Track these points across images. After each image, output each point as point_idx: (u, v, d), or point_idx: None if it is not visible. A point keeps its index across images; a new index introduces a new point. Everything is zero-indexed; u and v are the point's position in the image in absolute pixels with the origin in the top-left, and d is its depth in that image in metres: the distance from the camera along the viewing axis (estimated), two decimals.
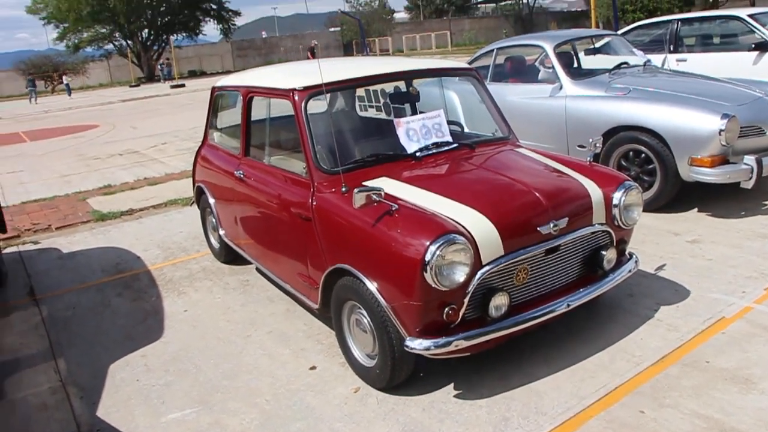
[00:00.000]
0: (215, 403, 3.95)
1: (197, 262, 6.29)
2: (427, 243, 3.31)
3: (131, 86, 47.84)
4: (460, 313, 3.48)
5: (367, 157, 4.25)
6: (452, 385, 3.86)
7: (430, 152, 4.33)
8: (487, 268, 3.49)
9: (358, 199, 3.55)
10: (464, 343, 3.46)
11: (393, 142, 4.35)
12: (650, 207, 6.43)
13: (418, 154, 4.29)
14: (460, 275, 3.38)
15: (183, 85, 41.14)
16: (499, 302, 3.54)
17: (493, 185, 3.94)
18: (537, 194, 3.77)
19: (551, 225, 3.69)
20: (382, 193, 3.59)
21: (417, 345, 3.46)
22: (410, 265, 3.33)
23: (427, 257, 3.29)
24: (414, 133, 4.33)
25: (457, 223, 3.49)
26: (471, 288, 3.45)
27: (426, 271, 3.30)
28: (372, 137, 5.05)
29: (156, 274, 6.09)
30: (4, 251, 7.07)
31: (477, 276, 3.45)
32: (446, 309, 3.44)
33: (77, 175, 11.66)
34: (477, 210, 3.58)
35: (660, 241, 5.78)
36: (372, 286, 3.57)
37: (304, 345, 4.50)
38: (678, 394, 3.58)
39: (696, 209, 6.55)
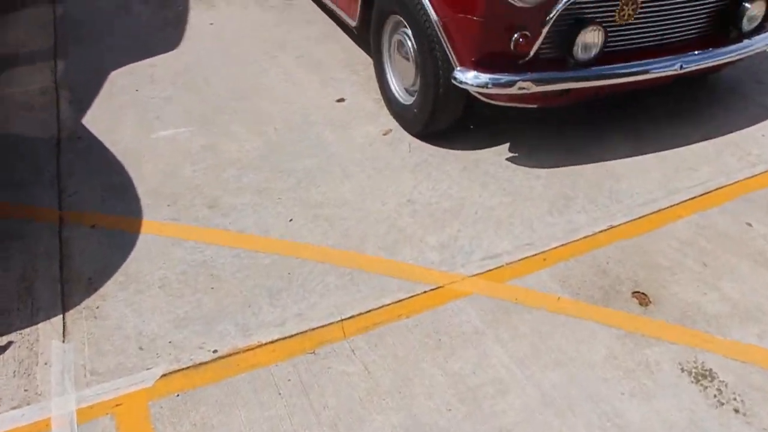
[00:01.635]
0: (216, 125, 3.24)
1: None
2: None
3: None
4: (535, 46, 2.51)
5: None
6: (507, 146, 3.00)
7: None
8: None
9: None
10: (533, 87, 2.54)
11: None
12: None
13: None
14: None
15: None
16: (590, 40, 2.54)
17: None
18: None
19: None
20: None
21: (470, 78, 2.56)
22: None
23: None
24: None
25: None
26: (555, 12, 2.44)
27: None
28: None
29: None
30: None
31: None
32: (516, 36, 2.47)
33: None
34: None
35: None
36: None
37: (336, 74, 3.64)
38: None
39: None
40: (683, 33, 2.81)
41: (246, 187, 2.80)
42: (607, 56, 2.66)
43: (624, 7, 2.59)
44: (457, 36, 2.55)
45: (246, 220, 2.62)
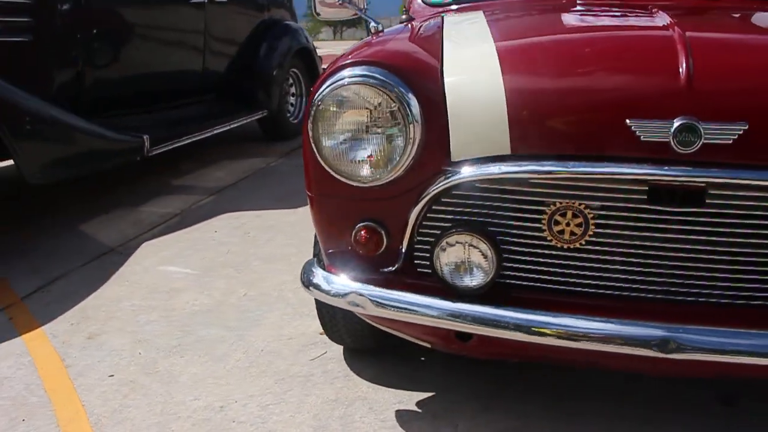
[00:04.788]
0: (214, 275, 3.01)
1: None
2: (325, 77, 1.67)
3: None
4: (400, 252, 1.71)
5: None
6: (431, 396, 2.06)
7: None
8: (464, 172, 1.59)
9: None
10: (370, 308, 1.70)
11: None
12: None
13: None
14: (366, 165, 1.65)
15: None
16: (461, 256, 1.62)
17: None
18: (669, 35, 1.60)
19: (680, 125, 1.46)
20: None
21: (313, 275, 1.86)
22: (306, 116, 1.75)
23: (313, 103, 1.67)
24: None
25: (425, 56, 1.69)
26: (423, 201, 1.63)
27: (309, 131, 1.69)
28: None
29: None
30: None
31: (438, 182, 1.61)
32: (358, 227, 1.73)
33: None
34: (495, 51, 1.67)
35: None
36: None
37: None
38: None
39: None
40: (704, 291, 1.59)
41: (119, 319, 2.47)
42: (543, 303, 1.65)
43: (559, 218, 1.59)
44: (315, 216, 1.90)
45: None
